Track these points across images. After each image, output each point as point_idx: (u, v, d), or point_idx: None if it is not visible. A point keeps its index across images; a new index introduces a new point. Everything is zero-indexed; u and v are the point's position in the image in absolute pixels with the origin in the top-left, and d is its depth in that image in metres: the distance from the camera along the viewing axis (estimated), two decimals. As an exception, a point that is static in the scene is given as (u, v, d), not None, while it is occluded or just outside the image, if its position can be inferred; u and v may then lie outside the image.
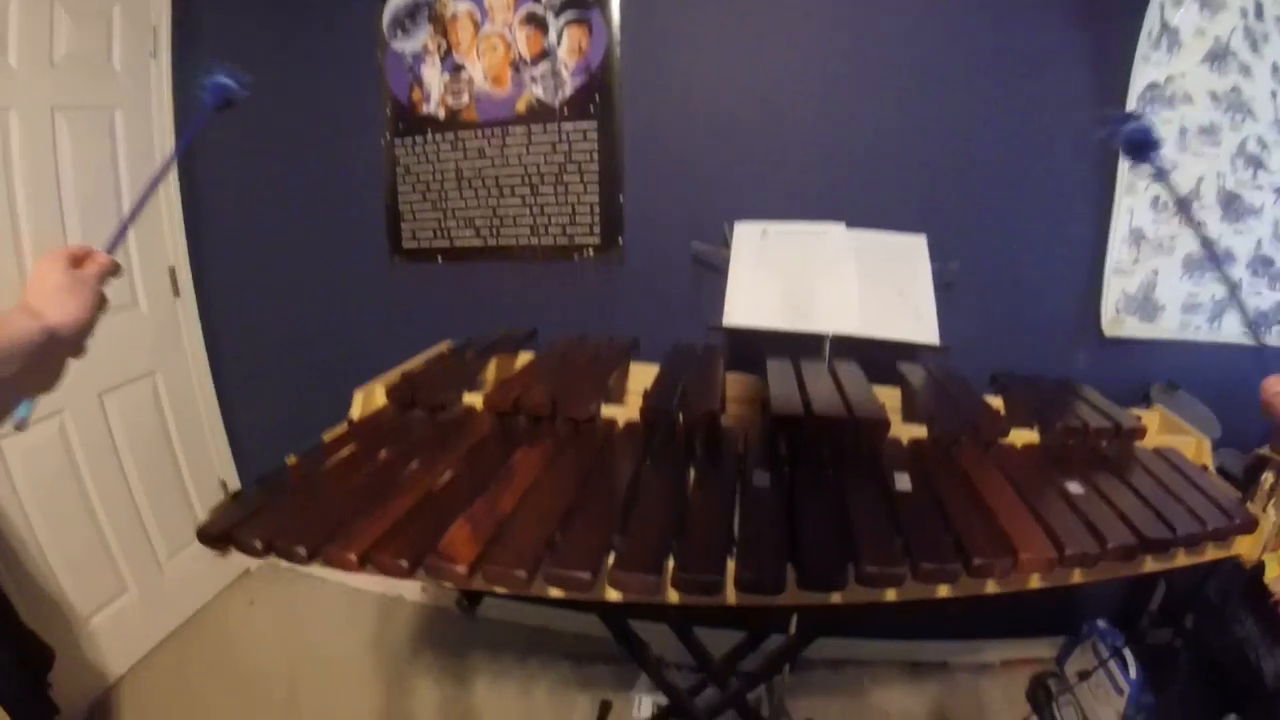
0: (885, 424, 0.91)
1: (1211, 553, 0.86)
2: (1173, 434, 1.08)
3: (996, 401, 1.14)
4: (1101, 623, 1.68)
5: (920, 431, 0.97)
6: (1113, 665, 1.53)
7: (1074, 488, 0.86)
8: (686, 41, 1.61)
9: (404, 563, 0.63)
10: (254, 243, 2.03)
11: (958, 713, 1.75)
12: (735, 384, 1.13)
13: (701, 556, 0.66)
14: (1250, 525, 0.85)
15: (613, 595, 0.64)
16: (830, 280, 1.34)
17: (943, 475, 0.85)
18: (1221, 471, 1.39)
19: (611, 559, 0.66)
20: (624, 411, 1.00)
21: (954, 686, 1.81)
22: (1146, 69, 1.53)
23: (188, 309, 2.06)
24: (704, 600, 0.63)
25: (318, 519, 0.69)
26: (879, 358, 1.21)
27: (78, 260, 0.64)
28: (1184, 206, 1.54)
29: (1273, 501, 1.39)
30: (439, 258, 1.91)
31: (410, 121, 1.80)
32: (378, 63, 1.78)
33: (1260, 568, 1.22)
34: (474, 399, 1.01)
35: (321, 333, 2.06)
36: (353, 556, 0.63)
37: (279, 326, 2.10)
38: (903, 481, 0.82)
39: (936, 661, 1.88)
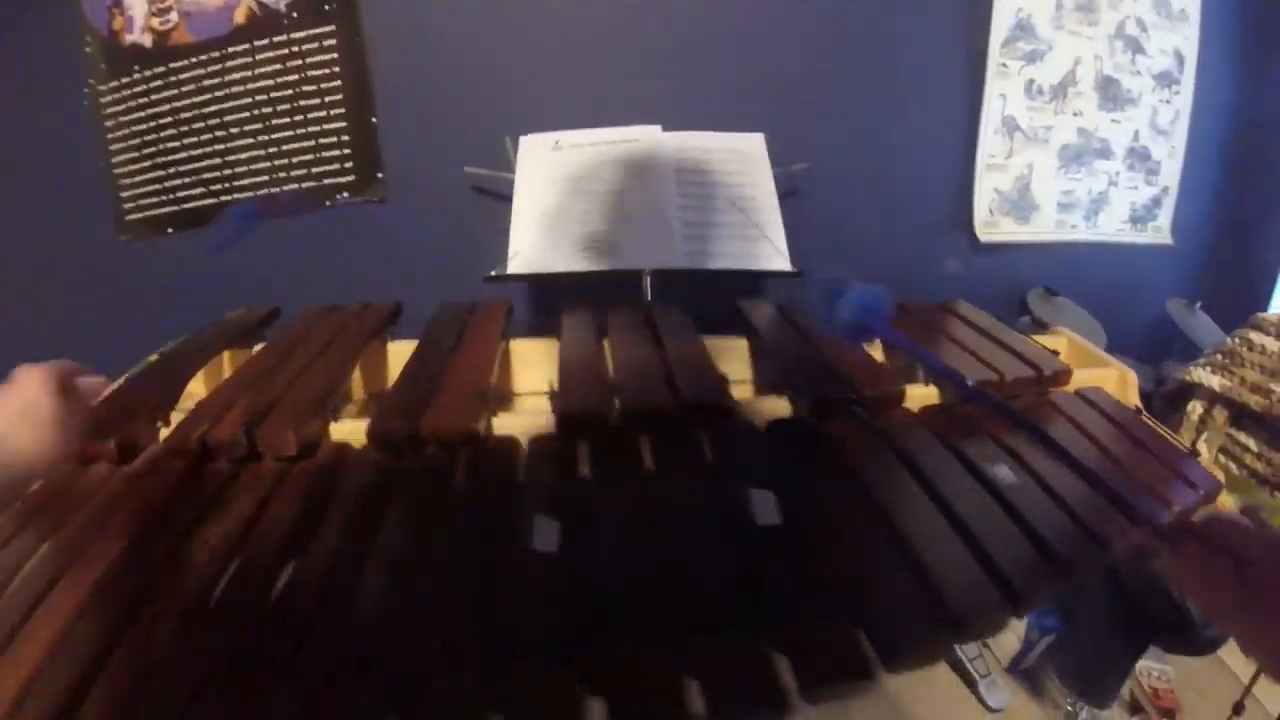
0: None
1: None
2: (1087, 365, 0.83)
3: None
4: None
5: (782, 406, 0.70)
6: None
7: (1004, 474, 0.58)
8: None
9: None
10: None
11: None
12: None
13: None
14: (1215, 492, 0.61)
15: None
16: (644, 201, 1.01)
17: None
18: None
19: None
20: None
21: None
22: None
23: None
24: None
25: None
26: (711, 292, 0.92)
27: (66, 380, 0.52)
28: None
29: (1204, 436, 1.24)
30: (169, 228, 1.45)
31: (115, 58, 1.39)
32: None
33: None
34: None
35: (73, 345, 1.55)
36: None
37: (32, 342, 1.59)
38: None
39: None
